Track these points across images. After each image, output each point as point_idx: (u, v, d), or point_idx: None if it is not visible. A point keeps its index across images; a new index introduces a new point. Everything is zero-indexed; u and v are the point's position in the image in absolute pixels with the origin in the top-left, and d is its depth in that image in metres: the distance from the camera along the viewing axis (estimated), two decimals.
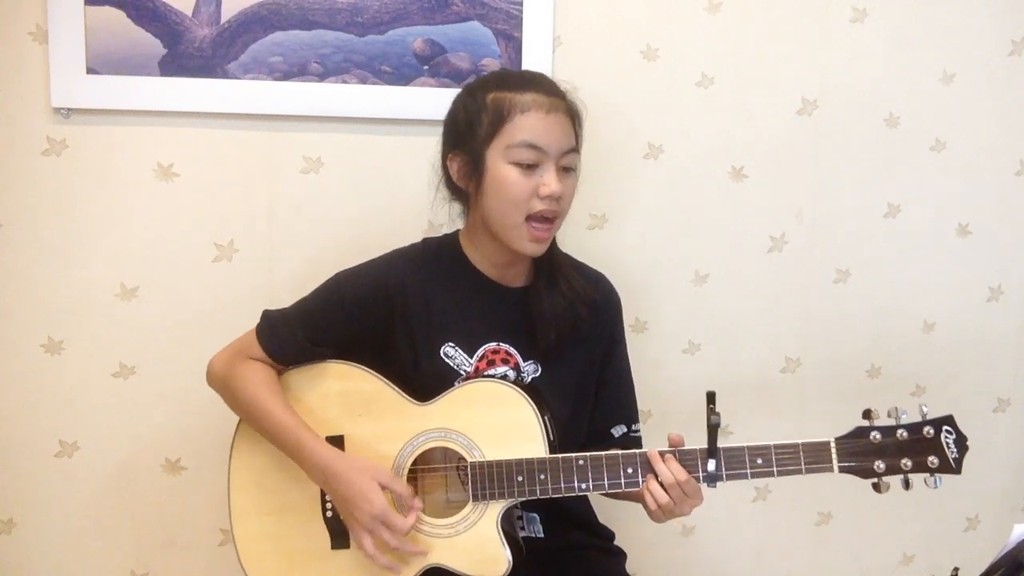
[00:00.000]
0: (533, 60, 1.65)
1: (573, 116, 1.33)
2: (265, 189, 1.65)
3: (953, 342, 1.90)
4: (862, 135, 1.81)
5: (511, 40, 1.65)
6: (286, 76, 1.60)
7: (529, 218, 1.28)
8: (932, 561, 1.96)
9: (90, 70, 1.54)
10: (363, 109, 1.63)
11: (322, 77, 1.61)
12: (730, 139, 1.77)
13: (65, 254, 1.60)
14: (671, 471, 1.22)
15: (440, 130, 1.38)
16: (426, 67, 1.63)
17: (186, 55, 1.57)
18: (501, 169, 1.28)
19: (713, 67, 1.74)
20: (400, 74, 1.63)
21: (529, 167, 1.27)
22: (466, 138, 1.30)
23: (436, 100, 1.62)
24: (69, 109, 1.56)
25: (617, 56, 1.71)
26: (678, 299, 1.80)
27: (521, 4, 1.64)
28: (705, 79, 1.74)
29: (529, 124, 1.26)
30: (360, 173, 1.67)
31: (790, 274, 1.83)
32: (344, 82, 1.62)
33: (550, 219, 1.30)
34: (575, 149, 1.32)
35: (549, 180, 1.27)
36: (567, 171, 1.31)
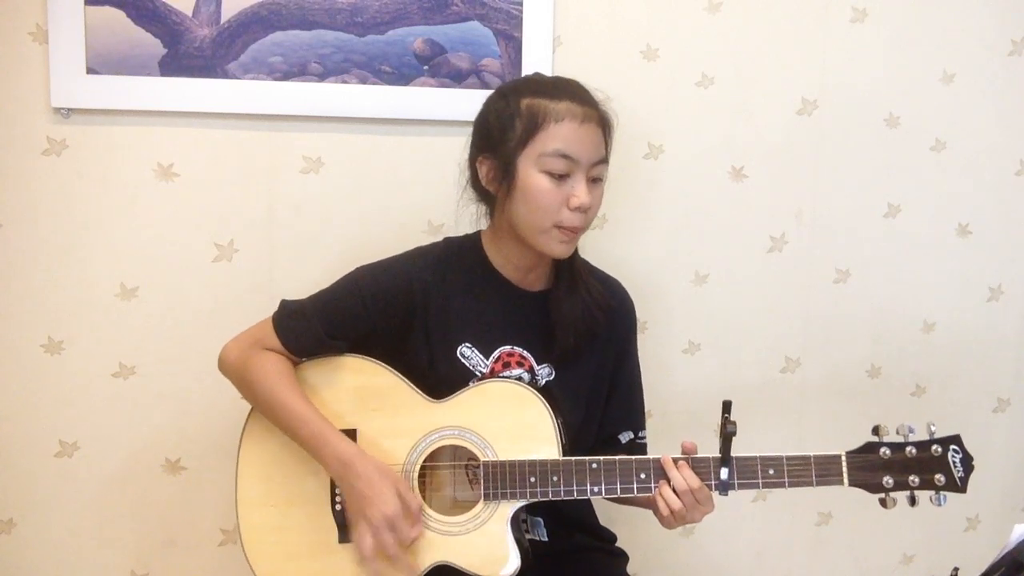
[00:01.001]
0: (533, 60, 1.65)
1: (605, 126, 1.32)
2: (265, 189, 1.65)
3: (953, 342, 1.90)
4: (862, 135, 1.81)
5: (511, 40, 1.65)
6: (286, 76, 1.60)
7: (558, 227, 1.29)
8: (932, 561, 1.96)
9: (90, 70, 1.54)
10: (363, 109, 1.63)
11: (322, 77, 1.61)
12: (730, 139, 1.77)
13: (65, 254, 1.60)
14: (684, 478, 1.23)
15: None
16: (426, 67, 1.63)
17: (186, 55, 1.57)
18: (532, 176, 1.27)
19: (713, 67, 1.74)
20: (400, 74, 1.63)
21: (560, 177, 1.27)
22: (497, 143, 1.30)
23: (436, 100, 1.63)
24: (69, 109, 1.56)
25: (617, 56, 1.71)
26: (678, 299, 1.80)
27: (521, 4, 1.64)
28: (705, 79, 1.74)
29: (563, 133, 1.26)
30: (360, 173, 1.67)
31: (790, 274, 1.83)
32: (344, 82, 1.62)
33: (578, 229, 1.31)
34: (605, 160, 1.32)
35: (579, 192, 1.27)
36: (596, 181, 1.31)
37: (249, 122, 1.62)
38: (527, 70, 1.64)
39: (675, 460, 1.25)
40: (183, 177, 1.62)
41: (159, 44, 1.56)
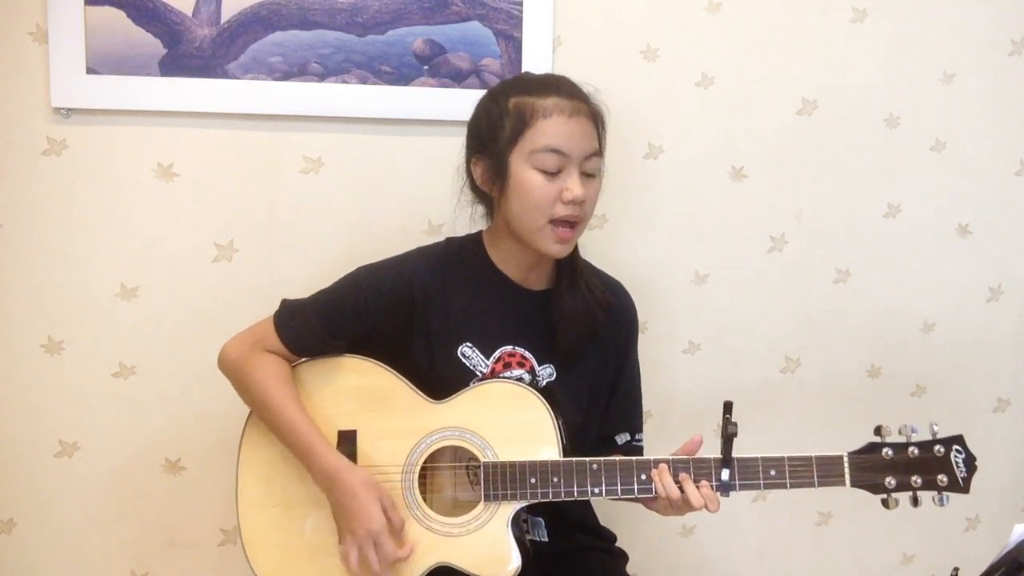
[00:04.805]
0: (533, 60, 1.65)
1: (596, 119, 1.32)
2: (265, 189, 1.65)
3: (953, 342, 1.90)
4: (862, 135, 1.81)
5: (511, 40, 1.65)
6: (286, 76, 1.60)
7: (552, 221, 1.29)
8: (932, 561, 1.96)
9: (90, 70, 1.54)
10: (363, 109, 1.63)
11: (322, 77, 1.61)
12: (730, 139, 1.77)
13: (65, 254, 1.60)
14: (667, 488, 1.23)
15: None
16: (426, 67, 1.63)
17: (186, 55, 1.57)
18: (524, 174, 1.28)
19: (713, 67, 1.74)
20: (400, 74, 1.63)
21: (553, 173, 1.27)
22: (489, 143, 1.30)
23: (436, 100, 1.63)
24: (69, 109, 1.56)
25: (617, 56, 1.71)
26: (678, 299, 1.80)
27: (521, 4, 1.64)
28: (705, 79, 1.74)
29: (551, 129, 1.26)
30: (360, 173, 1.67)
31: (790, 274, 1.83)
32: (344, 82, 1.62)
33: (573, 223, 1.30)
34: (598, 153, 1.32)
35: (572, 185, 1.27)
36: (590, 176, 1.31)
37: (249, 122, 1.62)
38: (527, 70, 1.64)
39: (673, 465, 1.24)
40: (183, 177, 1.62)
41: (159, 44, 1.56)
